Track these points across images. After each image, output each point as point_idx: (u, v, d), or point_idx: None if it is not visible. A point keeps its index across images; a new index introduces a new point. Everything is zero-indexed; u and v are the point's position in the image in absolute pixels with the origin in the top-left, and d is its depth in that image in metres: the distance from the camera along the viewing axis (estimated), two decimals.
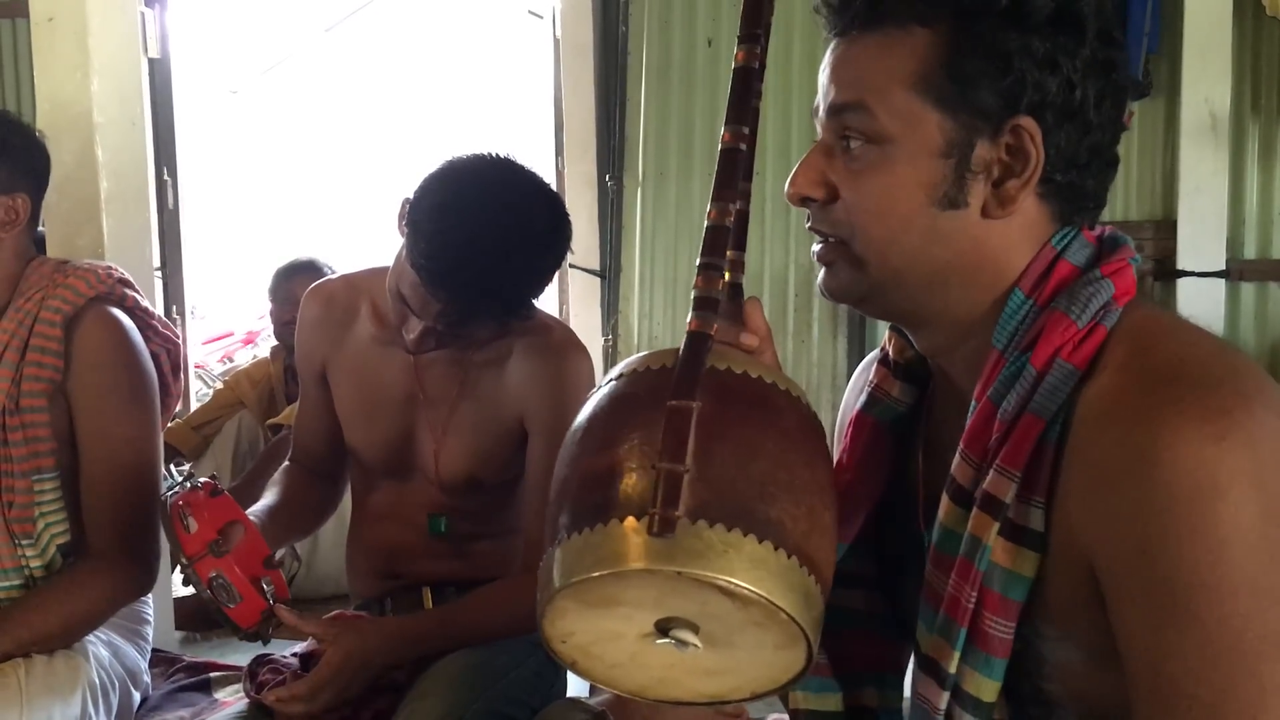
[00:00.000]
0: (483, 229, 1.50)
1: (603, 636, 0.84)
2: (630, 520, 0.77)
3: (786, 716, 1.06)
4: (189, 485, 1.55)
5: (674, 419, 0.79)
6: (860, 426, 1.02)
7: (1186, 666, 0.77)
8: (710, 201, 0.89)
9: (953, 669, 0.88)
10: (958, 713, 0.89)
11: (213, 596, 1.49)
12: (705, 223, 0.89)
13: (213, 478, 1.62)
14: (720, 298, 0.86)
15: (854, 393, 1.11)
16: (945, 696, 0.89)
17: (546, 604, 0.81)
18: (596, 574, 0.77)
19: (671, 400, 0.79)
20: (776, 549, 0.77)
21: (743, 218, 0.93)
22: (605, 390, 0.87)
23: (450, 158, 1.58)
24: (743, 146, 0.90)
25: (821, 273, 0.96)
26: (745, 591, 0.75)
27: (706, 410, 0.80)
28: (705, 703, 0.88)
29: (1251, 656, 0.75)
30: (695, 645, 0.80)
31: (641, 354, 0.88)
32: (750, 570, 0.75)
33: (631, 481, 0.78)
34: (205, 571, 1.48)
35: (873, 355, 1.10)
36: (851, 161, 0.90)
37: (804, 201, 0.94)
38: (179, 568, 1.52)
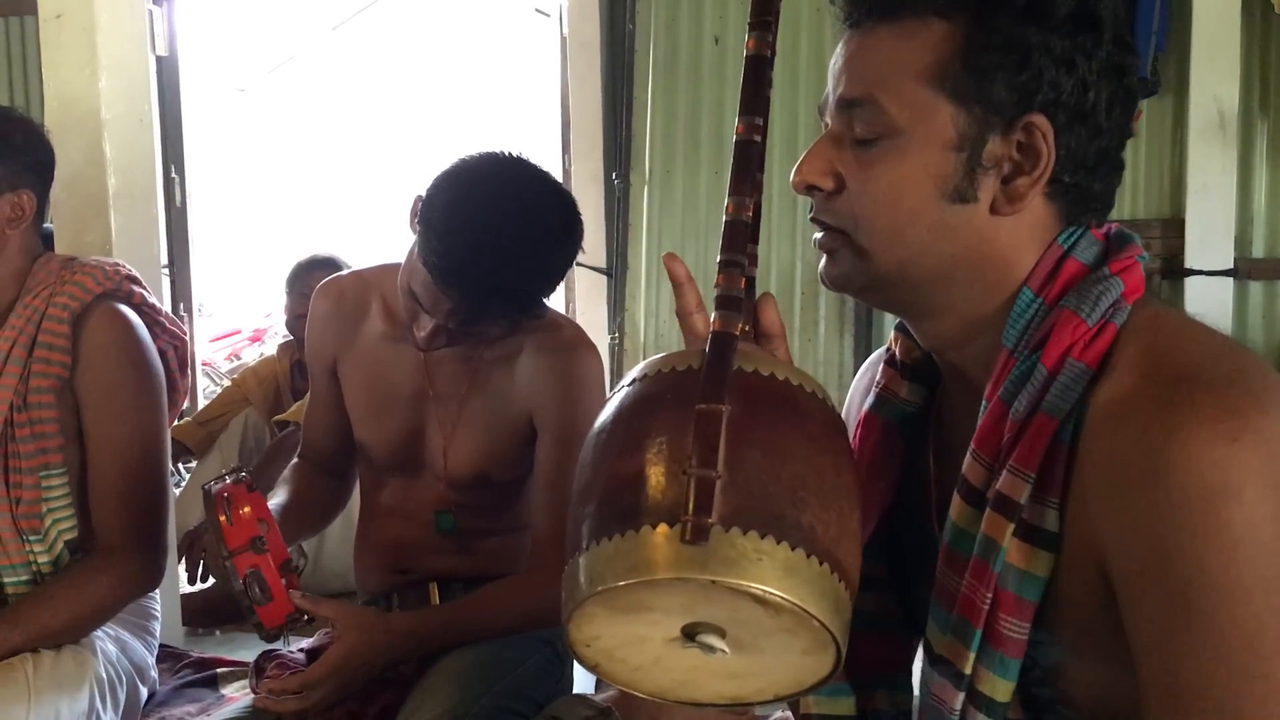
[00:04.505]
0: (495, 227, 1.50)
1: (628, 641, 0.83)
2: (662, 527, 0.75)
3: (790, 716, 1.06)
4: (234, 477, 1.54)
5: (704, 423, 0.77)
6: (870, 427, 1.02)
7: (1199, 667, 0.76)
8: (727, 196, 0.87)
9: (968, 670, 0.88)
10: (972, 713, 0.89)
11: (244, 591, 1.48)
12: (723, 218, 0.87)
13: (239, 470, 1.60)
14: (741, 295, 0.85)
15: (859, 392, 1.11)
16: (960, 697, 0.89)
17: (575, 609, 0.80)
18: (630, 581, 0.76)
19: (700, 404, 0.78)
20: (809, 556, 0.76)
21: (755, 210, 0.93)
22: (628, 391, 0.85)
23: (463, 156, 1.58)
24: (757, 138, 0.89)
25: (823, 261, 0.95)
26: (778, 599, 0.74)
27: (735, 414, 0.78)
28: (724, 705, 0.88)
29: (1265, 658, 0.75)
30: (723, 650, 0.80)
31: (663, 354, 0.87)
32: (783, 578, 0.74)
33: (661, 487, 0.77)
34: (243, 566, 1.48)
35: (877, 354, 1.09)
36: (861, 152, 0.90)
37: (809, 190, 0.93)
38: (211, 558, 1.50)
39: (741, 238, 0.87)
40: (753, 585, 0.74)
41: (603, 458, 0.82)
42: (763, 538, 0.75)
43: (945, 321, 0.94)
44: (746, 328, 0.92)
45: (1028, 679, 0.89)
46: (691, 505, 0.75)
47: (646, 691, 0.87)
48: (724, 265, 0.86)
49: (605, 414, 0.85)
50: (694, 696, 0.87)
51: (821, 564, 0.76)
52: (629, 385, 0.85)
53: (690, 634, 0.80)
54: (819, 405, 0.84)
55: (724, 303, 0.84)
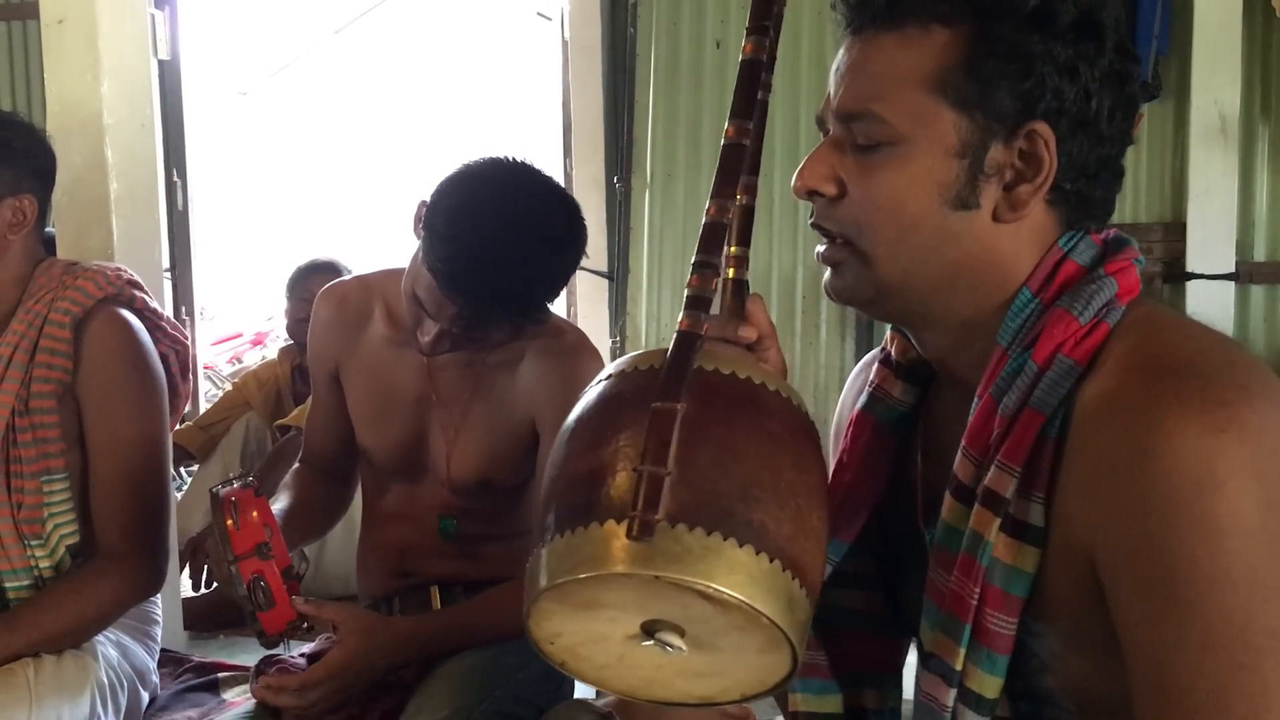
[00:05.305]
0: (498, 233, 1.50)
1: (590, 638, 0.84)
2: (611, 523, 0.76)
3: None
4: (241, 482, 1.54)
5: (657, 421, 0.78)
6: (861, 426, 1.02)
7: (1187, 659, 0.76)
8: (709, 198, 0.88)
9: (958, 665, 0.88)
10: (961, 710, 0.89)
11: (248, 596, 1.48)
12: (703, 219, 0.88)
13: (245, 475, 1.60)
14: (712, 297, 0.86)
15: (853, 392, 1.11)
16: (952, 694, 0.89)
17: (531, 605, 0.81)
18: (577, 577, 0.77)
19: (656, 401, 0.79)
20: (758, 553, 0.76)
21: (748, 213, 0.93)
22: (595, 391, 0.86)
23: (466, 161, 1.58)
24: (746, 142, 0.89)
25: (827, 274, 0.96)
26: (724, 596, 0.75)
27: (690, 412, 0.79)
28: (698, 704, 0.88)
29: (1252, 649, 0.75)
30: (680, 648, 0.80)
31: (632, 354, 0.88)
32: (729, 575, 0.75)
33: (615, 483, 0.78)
34: (248, 571, 1.48)
35: (872, 354, 1.09)
36: (863, 157, 0.90)
37: (811, 196, 0.93)
38: (215, 562, 1.49)
39: (719, 240, 0.87)
40: (696, 581, 0.74)
41: (565, 456, 0.83)
42: (709, 534, 0.75)
43: (947, 328, 0.94)
44: (741, 331, 0.92)
45: (1026, 669, 0.89)
46: (640, 501, 0.75)
47: (615, 689, 0.87)
48: (698, 266, 0.86)
49: (572, 414, 0.86)
50: (663, 695, 0.87)
51: (772, 561, 0.76)
52: (596, 385, 0.87)
53: (649, 631, 0.81)
54: (782, 404, 0.84)
55: (693, 303, 0.85)
